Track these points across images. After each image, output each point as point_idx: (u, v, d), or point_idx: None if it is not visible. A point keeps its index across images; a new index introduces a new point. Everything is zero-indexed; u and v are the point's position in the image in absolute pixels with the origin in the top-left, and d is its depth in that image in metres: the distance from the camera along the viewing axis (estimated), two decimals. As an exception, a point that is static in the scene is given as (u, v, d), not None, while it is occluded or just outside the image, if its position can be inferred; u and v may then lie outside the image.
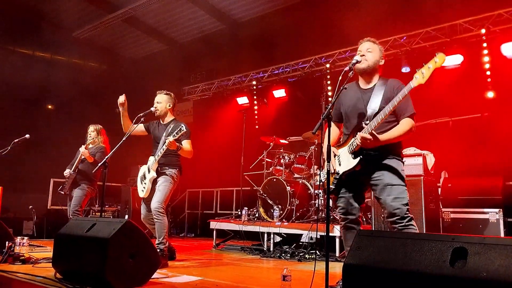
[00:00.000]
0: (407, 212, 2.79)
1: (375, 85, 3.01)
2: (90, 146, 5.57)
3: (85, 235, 3.07)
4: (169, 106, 4.71)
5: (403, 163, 2.97)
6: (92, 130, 5.69)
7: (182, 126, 4.23)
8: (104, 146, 5.65)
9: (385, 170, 2.86)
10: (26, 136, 5.74)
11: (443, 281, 1.78)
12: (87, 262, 2.99)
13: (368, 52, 3.01)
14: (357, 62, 2.95)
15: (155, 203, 4.37)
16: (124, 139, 4.28)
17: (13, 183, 8.02)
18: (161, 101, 4.67)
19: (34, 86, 9.91)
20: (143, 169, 4.68)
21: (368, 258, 2.10)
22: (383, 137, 2.79)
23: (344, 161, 2.96)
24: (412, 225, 2.79)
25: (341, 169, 2.97)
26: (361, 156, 2.83)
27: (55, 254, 3.32)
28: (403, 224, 2.77)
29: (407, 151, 3.71)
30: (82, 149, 5.42)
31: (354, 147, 2.85)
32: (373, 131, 2.75)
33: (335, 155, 3.04)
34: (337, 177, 2.97)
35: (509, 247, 1.72)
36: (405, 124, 2.86)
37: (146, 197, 4.56)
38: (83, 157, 5.43)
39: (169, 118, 4.73)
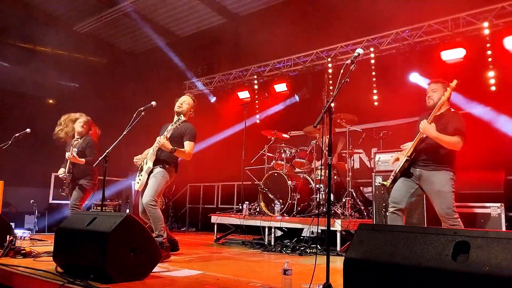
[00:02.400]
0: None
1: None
2: (76, 141, 5.18)
3: (86, 229, 3.07)
4: (191, 112, 4.83)
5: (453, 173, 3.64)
6: (78, 125, 5.34)
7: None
8: (91, 137, 5.34)
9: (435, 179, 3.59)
10: (27, 130, 5.66)
11: (445, 275, 1.77)
12: (87, 256, 2.98)
13: (433, 92, 3.72)
14: (359, 54, 2.98)
15: (146, 197, 4.31)
16: (124, 133, 4.27)
17: (15, 177, 8.02)
18: (187, 102, 4.78)
19: (35, 81, 9.90)
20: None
21: (369, 252, 2.09)
22: (436, 131, 3.52)
23: (400, 162, 3.77)
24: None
25: (397, 168, 3.75)
26: (407, 157, 3.66)
27: (56, 248, 3.31)
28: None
29: (407, 145, 3.74)
30: (68, 155, 5.09)
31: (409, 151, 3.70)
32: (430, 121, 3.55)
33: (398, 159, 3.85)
34: (394, 174, 3.76)
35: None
36: (455, 139, 3.51)
37: (142, 191, 4.54)
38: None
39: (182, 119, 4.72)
